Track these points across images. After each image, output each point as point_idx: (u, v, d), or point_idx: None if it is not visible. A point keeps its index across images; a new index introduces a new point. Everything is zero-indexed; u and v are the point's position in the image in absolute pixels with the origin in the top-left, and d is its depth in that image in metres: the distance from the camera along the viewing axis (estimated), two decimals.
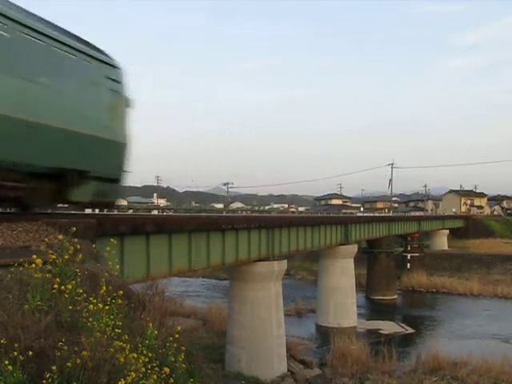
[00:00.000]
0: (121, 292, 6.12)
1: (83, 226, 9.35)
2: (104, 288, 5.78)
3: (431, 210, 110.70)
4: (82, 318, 5.25)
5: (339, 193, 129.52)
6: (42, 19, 9.81)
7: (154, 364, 5.27)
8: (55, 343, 4.55)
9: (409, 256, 57.69)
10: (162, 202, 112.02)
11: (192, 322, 33.49)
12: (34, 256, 5.66)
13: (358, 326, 37.00)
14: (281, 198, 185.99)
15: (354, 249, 39.07)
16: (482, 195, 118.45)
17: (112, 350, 4.75)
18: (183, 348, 6.42)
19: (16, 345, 4.24)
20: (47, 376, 4.09)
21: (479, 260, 58.80)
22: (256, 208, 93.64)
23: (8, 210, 11.02)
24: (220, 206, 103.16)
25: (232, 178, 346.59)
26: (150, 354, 5.32)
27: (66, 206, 13.28)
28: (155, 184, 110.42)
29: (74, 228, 7.62)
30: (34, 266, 5.54)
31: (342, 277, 38.17)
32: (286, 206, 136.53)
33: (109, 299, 5.75)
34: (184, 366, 6.20)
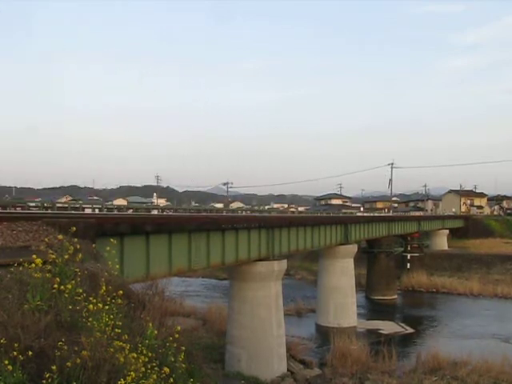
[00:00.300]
0: (121, 292, 6.12)
1: (83, 226, 9.36)
2: (104, 288, 5.78)
3: (431, 210, 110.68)
4: (82, 317, 5.25)
5: (339, 193, 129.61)
6: None
7: (154, 364, 5.27)
8: (55, 343, 4.55)
9: (409, 256, 57.72)
10: (162, 202, 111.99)
11: (192, 321, 33.51)
12: (34, 256, 5.66)
13: (357, 326, 37.01)
14: (281, 198, 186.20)
15: (353, 249, 39.08)
16: (481, 195, 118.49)
17: (112, 349, 4.75)
18: (183, 348, 6.41)
19: (16, 345, 4.24)
20: (47, 376, 4.09)
21: (479, 260, 58.82)
22: (256, 208, 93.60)
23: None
24: (220, 205, 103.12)
25: (232, 177, 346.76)
26: (150, 354, 5.32)
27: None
28: (155, 184, 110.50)
29: (74, 228, 7.62)
30: (33, 265, 5.54)
31: (341, 277, 38.19)
32: (286, 205, 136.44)
33: (108, 299, 5.74)
34: (184, 365, 6.20)
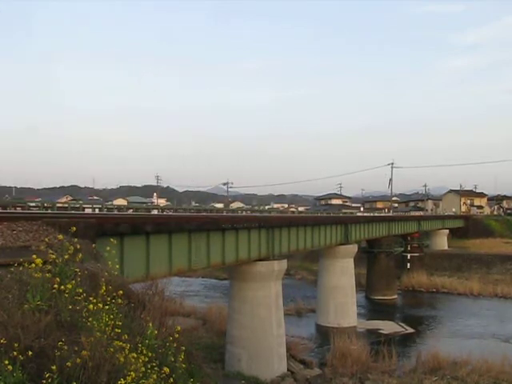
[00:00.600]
0: (121, 292, 6.12)
1: (83, 226, 9.36)
2: (104, 288, 5.78)
3: (431, 210, 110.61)
4: (82, 317, 5.24)
5: (339, 193, 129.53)
6: None
7: (154, 364, 5.27)
8: (55, 343, 4.55)
9: (409, 256, 57.73)
10: (162, 202, 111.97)
11: (192, 321, 33.51)
12: (34, 256, 5.66)
13: (357, 326, 37.01)
14: (281, 198, 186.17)
15: (353, 249, 39.08)
16: (481, 195, 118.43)
17: (112, 349, 4.75)
18: (183, 348, 6.42)
19: (16, 345, 4.24)
20: (47, 376, 4.09)
21: (479, 260, 58.82)
22: (256, 208, 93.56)
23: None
24: (220, 205, 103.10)
25: (232, 177, 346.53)
26: (150, 354, 5.32)
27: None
28: (155, 184, 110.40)
29: (74, 228, 7.62)
30: (33, 265, 5.53)
31: (341, 276, 38.19)
32: (286, 205, 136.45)
33: (108, 299, 5.74)
34: (184, 365, 6.20)
